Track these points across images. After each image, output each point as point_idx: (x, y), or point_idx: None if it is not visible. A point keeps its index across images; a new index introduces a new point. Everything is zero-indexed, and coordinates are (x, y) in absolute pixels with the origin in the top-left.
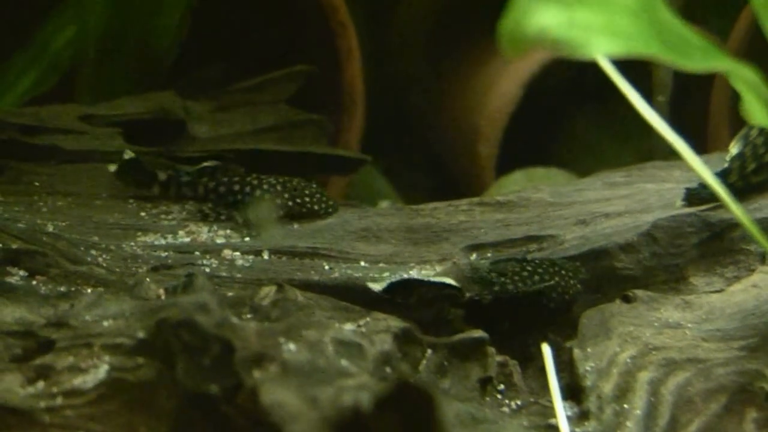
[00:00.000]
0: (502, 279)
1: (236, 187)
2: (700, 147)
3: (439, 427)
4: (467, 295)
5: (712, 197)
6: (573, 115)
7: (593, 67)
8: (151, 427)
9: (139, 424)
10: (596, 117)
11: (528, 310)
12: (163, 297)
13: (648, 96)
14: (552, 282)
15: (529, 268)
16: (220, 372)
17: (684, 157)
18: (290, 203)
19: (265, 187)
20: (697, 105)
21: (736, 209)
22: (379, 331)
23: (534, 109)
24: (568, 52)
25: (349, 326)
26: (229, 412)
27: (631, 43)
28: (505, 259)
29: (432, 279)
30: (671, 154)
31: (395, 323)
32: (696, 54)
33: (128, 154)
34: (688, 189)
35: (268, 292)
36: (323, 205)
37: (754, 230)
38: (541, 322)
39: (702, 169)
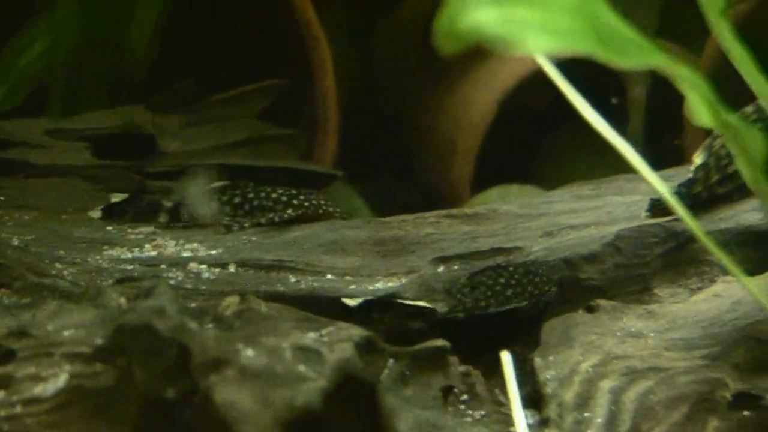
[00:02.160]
0: (476, 293)
1: (251, 195)
2: (679, 159)
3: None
4: (440, 313)
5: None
6: (551, 132)
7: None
8: None
9: (99, 430)
10: (574, 133)
11: (501, 324)
12: (124, 305)
13: (624, 112)
14: (523, 303)
15: (502, 280)
16: (178, 376)
17: (639, 171)
18: (299, 212)
19: (274, 196)
20: (676, 117)
21: (691, 222)
22: (340, 340)
23: (513, 126)
24: (503, 49)
25: (311, 335)
26: (186, 415)
27: (568, 40)
28: (480, 270)
29: (408, 302)
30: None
31: (357, 332)
32: (634, 51)
33: (116, 197)
34: (652, 200)
35: (231, 303)
36: (330, 209)
37: (709, 243)
38: (513, 332)
39: (657, 182)
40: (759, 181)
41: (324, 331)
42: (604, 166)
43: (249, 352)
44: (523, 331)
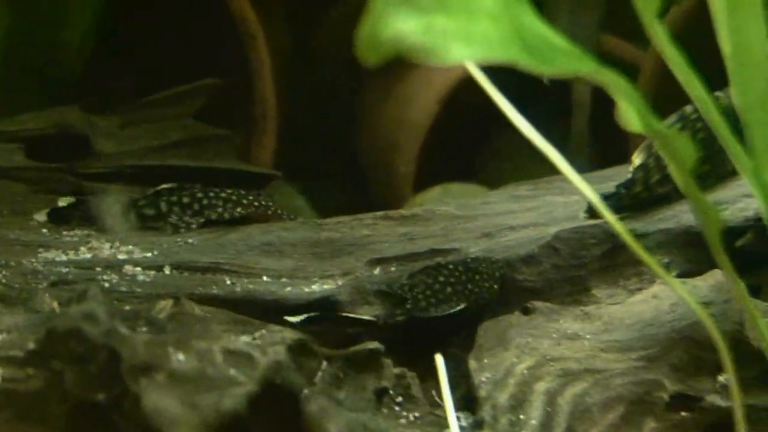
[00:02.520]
0: (415, 292)
1: (199, 195)
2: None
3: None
4: (380, 320)
5: (615, 208)
6: (497, 130)
7: (515, 82)
8: None
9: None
10: (518, 132)
11: (442, 323)
12: (57, 309)
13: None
14: (462, 304)
15: (442, 278)
16: (108, 381)
17: (566, 175)
18: (248, 210)
19: (223, 195)
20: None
21: (618, 226)
22: (273, 343)
23: (457, 124)
24: (424, 58)
25: (244, 338)
26: (116, 420)
27: (490, 48)
28: (420, 269)
29: (351, 315)
30: (585, 168)
31: (290, 335)
32: (560, 58)
33: (63, 201)
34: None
35: (164, 306)
36: (278, 210)
37: (636, 247)
38: (454, 332)
39: (584, 187)
40: (689, 185)
41: (257, 334)
42: (550, 165)
43: (180, 356)
44: (463, 331)
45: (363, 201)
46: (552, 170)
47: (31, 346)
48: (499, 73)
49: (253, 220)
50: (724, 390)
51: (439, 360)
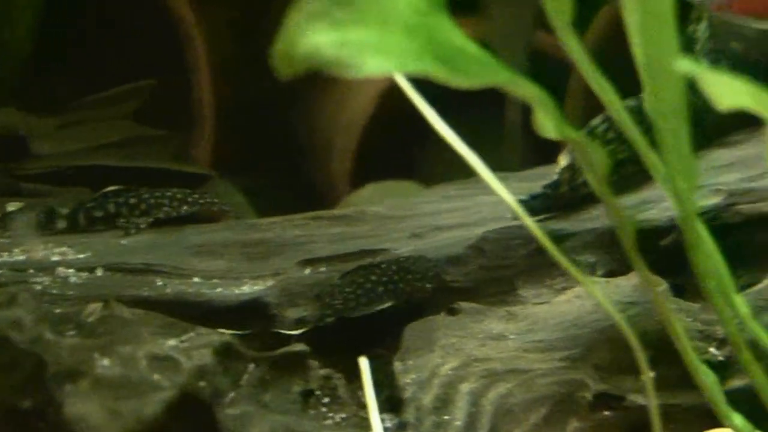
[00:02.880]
0: (346, 293)
1: (146, 195)
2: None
3: None
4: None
5: (541, 208)
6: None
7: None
8: None
9: None
10: (459, 130)
11: (374, 323)
12: None
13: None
14: (390, 303)
15: (374, 278)
16: (33, 388)
17: (483, 178)
18: (194, 208)
19: (169, 194)
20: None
21: (535, 230)
22: (200, 346)
23: (396, 123)
24: (339, 72)
25: (171, 341)
26: (41, 427)
27: (404, 60)
28: (353, 269)
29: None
30: (519, 160)
31: (217, 338)
32: (476, 70)
33: (12, 206)
34: (519, 200)
35: (94, 309)
36: (224, 208)
37: (553, 250)
38: (387, 332)
39: (502, 191)
40: (604, 192)
41: (185, 337)
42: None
43: (104, 362)
44: (396, 331)
45: (303, 199)
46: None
47: None
48: None
49: (200, 218)
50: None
51: (363, 363)
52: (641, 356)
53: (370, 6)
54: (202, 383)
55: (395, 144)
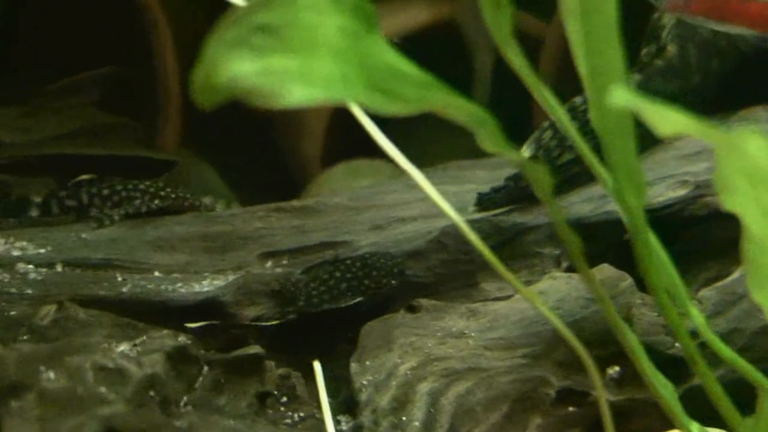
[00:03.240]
0: (309, 289)
1: (119, 187)
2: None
3: None
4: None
5: (504, 201)
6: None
7: (426, 59)
8: None
9: None
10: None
11: (340, 320)
12: None
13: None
14: (357, 299)
15: (338, 274)
16: None
17: (420, 186)
18: (166, 203)
19: (142, 187)
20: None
21: (480, 245)
22: (152, 351)
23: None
24: (262, 102)
25: (124, 346)
26: None
27: (331, 88)
28: (317, 264)
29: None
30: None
31: (170, 342)
32: (408, 91)
33: None
34: (480, 193)
35: (48, 311)
36: (195, 202)
37: (492, 259)
38: (352, 329)
39: (445, 205)
40: (550, 205)
41: (138, 341)
42: (467, 147)
43: (50, 374)
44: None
45: (276, 181)
46: (467, 147)
47: None
48: None
49: (171, 212)
50: (612, 383)
51: (317, 366)
52: (587, 359)
53: (294, 31)
54: (151, 393)
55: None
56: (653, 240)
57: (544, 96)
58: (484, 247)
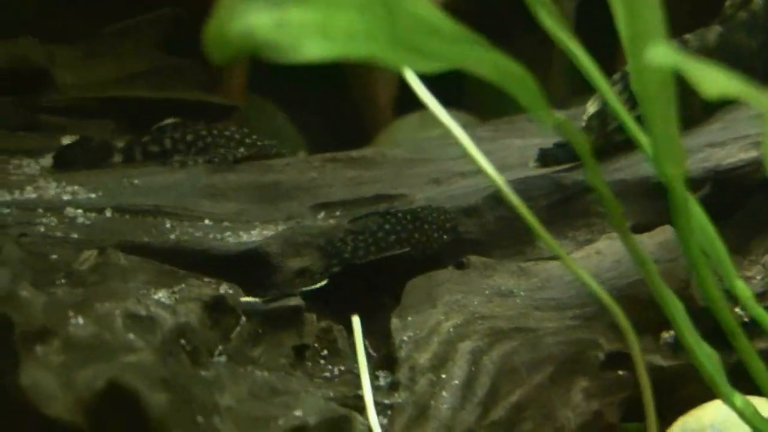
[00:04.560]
0: (356, 240)
1: (203, 132)
2: None
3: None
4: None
5: (566, 158)
6: None
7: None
8: None
9: None
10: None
11: (383, 272)
12: None
13: None
14: (405, 249)
15: (388, 226)
16: (1, 348)
17: (471, 155)
18: (251, 150)
19: (227, 134)
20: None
21: (525, 212)
22: (188, 300)
23: None
24: (275, 56)
25: (161, 293)
26: (9, 389)
27: (350, 43)
28: (365, 215)
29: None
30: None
31: (208, 291)
32: (438, 47)
33: (69, 139)
34: (541, 149)
35: (88, 256)
36: (281, 151)
37: (536, 226)
38: (399, 282)
39: (491, 170)
40: (589, 166)
41: (176, 288)
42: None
43: (79, 320)
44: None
45: (351, 128)
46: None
47: None
48: None
49: (256, 159)
50: (667, 348)
51: (356, 320)
52: (625, 322)
53: None
54: (182, 341)
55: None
56: (696, 211)
57: (580, 58)
58: (525, 209)
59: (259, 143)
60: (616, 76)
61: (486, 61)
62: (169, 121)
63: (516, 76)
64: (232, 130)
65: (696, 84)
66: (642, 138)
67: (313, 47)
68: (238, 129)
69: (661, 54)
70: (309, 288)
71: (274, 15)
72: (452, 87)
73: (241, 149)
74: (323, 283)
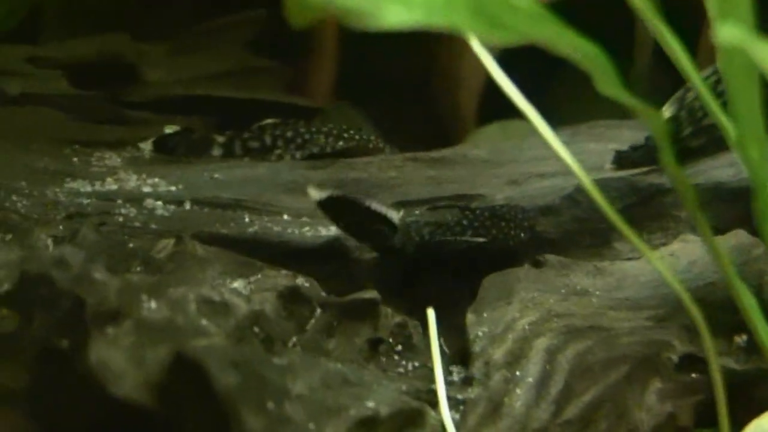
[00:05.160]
0: (432, 228)
1: (302, 129)
2: None
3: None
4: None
5: (643, 161)
6: (565, 66)
7: (586, 17)
8: (13, 376)
9: (2, 372)
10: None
11: (457, 264)
12: (51, 248)
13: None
14: (483, 240)
15: (465, 221)
16: (72, 327)
17: (551, 145)
18: (350, 144)
19: (325, 130)
20: None
21: (607, 207)
22: (264, 289)
23: (525, 59)
24: (354, 22)
25: (238, 282)
26: (79, 366)
27: (431, 11)
28: (444, 206)
29: (376, 207)
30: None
31: (284, 281)
32: (516, 21)
33: (170, 128)
34: (618, 152)
35: (166, 245)
36: (380, 145)
37: (618, 220)
38: (475, 278)
39: (567, 158)
40: (666, 156)
41: (252, 278)
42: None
43: (152, 304)
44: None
45: (428, 132)
46: (622, 113)
47: (7, 286)
48: None
49: (355, 154)
50: (740, 352)
51: (430, 314)
52: (702, 324)
53: None
54: (255, 329)
55: (525, 81)
56: None
57: (676, 51)
58: (609, 207)
59: (357, 137)
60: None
61: (563, 37)
62: (269, 120)
63: (592, 54)
64: (330, 127)
65: (761, 63)
66: (724, 120)
67: (394, 14)
68: (336, 125)
69: (728, 33)
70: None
71: None
72: (530, 94)
73: (340, 143)
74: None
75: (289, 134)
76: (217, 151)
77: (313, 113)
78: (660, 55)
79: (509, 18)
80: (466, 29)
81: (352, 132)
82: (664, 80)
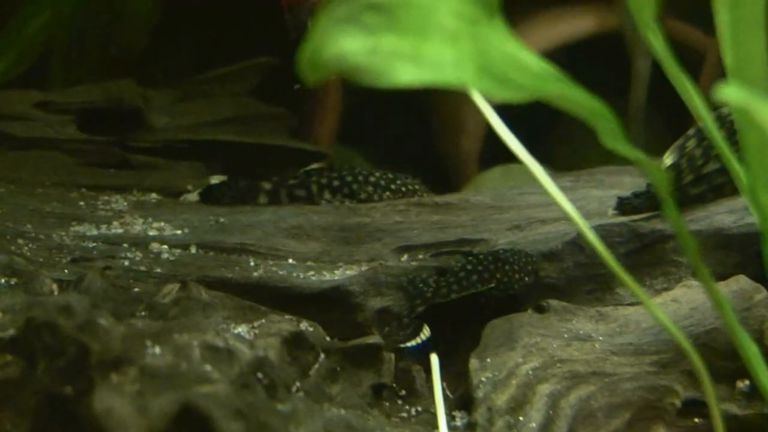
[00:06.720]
0: (440, 280)
1: (349, 178)
2: None
3: None
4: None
5: (644, 207)
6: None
7: (587, 65)
8: (15, 424)
9: (4, 419)
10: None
11: (464, 311)
12: (56, 293)
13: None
14: (489, 286)
15: (470, 267)
16: (76, 375)
17: (553, 196)
18: (397, 195)
19: (372, 179)
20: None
21: (605, 253)
22: (268, 335)
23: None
24: (368, 80)
25: (241, 328)
26: (83, 414)
27: (441, 70)
28: (448, 252)
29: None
30: (642, 143)
31: (288, 327)
32: (524, 80)
33: (216, 179)
34: (620, 198)
35: (170, 290)
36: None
37: (617, 268)
38: (480, 322)
39: (570, 209)
40: (667, 206)
41: (256, 323)
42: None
43: (156, 350)
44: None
45: (431, 177)
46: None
47: (12, 332)
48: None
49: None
50: (742, 397)
51: (434, 359)
52: (702, 370)
53: (406, 12)
54: (259, 375)
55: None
56: None
57: (685, 86)
58: (607, 254)
59: (403, 188)
60: (690, 132)
61: (569, 94)
62: (314, 166)
63: (597, 112)
64: (376, 175)
65: (762, 123)
66: (736, 166)
67: (405, 73)
68: (383, 174)
69: (730, 93)
70: (412, 344)
71: (367, 41)
72: (531, 141)
73: (387, 193)
74: (427, 335)
75: (336, 183)
76: (263, 199)
77: (319, 158)
78: (654, 91)
79: (517, 76)
80: (475, 87)
81: (399, 182)
82: (658, 117)
